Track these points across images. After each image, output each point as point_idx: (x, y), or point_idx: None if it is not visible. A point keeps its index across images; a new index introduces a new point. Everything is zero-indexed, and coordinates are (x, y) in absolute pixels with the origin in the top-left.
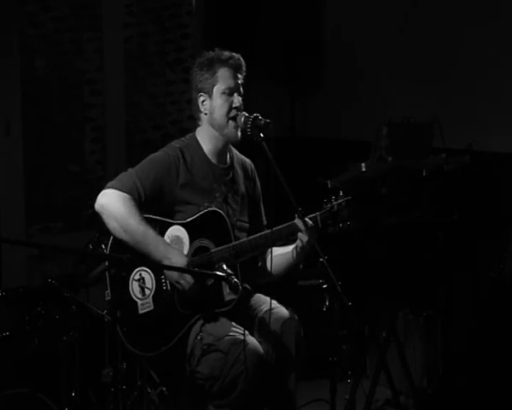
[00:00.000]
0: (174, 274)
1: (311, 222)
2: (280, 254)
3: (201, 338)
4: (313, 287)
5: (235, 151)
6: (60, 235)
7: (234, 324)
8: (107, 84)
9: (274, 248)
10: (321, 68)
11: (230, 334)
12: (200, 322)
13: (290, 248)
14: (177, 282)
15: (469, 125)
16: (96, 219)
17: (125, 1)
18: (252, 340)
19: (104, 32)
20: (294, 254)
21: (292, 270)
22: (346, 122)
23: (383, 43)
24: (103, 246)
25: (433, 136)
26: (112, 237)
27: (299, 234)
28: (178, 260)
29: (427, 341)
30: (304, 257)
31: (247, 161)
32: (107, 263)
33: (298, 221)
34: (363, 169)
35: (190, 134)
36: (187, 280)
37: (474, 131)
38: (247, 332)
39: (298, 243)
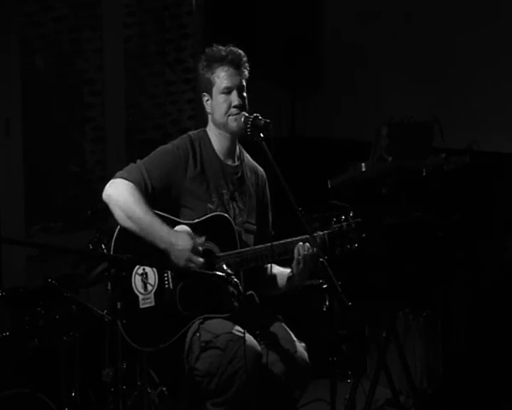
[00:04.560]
0: (182, 258)
1: (311, 249)
2: (281, 273)
3: (200, 335)
4: (313, 287)
5: (246, 154)
6: (60, 235)
7: (233, 323)
8: (107, 84)
9: (276, 267)
10: (321, 68)
11: (228, 331)
12: (199, 320)
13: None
14: (188, 261)
15: (469, 125)
16: (95, 220)
17: (125, 1)
18: (250, 338)
19: (104, 31)
20: (295, 273)
21: (291, 289)
22: (346, 122)
23: (383, 44)
24: (103, 246)
25: (433, 136)
26: (116, 231)
27: (296, 252)
28: (185, 243)
29: (427, 341)
30: (303, 277)
31: (260, 168)
32: (107, 263)
33: (301, 245)
34: (363, 169)
35: (203, 128)
36: (194, 261)
37: (474, 131)
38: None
39: (294, 264)
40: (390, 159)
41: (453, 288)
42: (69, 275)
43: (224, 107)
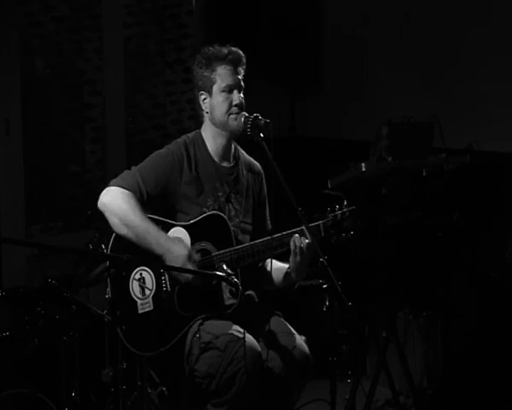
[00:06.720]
0: (177, 265)
1: (307, 240)
2: (279, 268)
3: (199, 336)
4: (313, 287)
5: (242, 152)
6: (60, 235)
7: (233, 324)
8: (107, 84)
9: (274, 261)
10: (321, 68)
11: (228, 332)
12: (199, 321)
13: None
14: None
15: (469, 125)
16: (95, 220)
17: (125, 1)
18: (249, 338)
19: (104, 32)
20: (292, 267)
21: (290, 285)
22: (346, 122)
23: (383, 43)
24: (103, 246)
25: (433, 136)
26: (112, 237)
27: (293, 246)
28: (180, 252)
29: (427, 341)
30: (301, 271)
31: (256, 163)
32: (107, 263)
33: (297, 237)
34: (363, 169)
35: (197, 130)
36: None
37: (475, 130)
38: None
39: (291, 258)
40: (390, 159)
41: (453, 288)
42: (69, 275)
43: (224, 105)
